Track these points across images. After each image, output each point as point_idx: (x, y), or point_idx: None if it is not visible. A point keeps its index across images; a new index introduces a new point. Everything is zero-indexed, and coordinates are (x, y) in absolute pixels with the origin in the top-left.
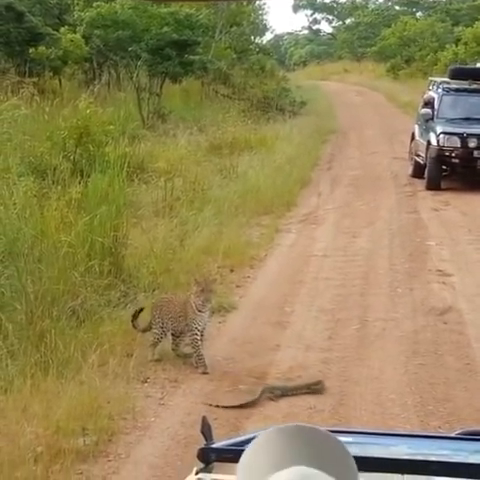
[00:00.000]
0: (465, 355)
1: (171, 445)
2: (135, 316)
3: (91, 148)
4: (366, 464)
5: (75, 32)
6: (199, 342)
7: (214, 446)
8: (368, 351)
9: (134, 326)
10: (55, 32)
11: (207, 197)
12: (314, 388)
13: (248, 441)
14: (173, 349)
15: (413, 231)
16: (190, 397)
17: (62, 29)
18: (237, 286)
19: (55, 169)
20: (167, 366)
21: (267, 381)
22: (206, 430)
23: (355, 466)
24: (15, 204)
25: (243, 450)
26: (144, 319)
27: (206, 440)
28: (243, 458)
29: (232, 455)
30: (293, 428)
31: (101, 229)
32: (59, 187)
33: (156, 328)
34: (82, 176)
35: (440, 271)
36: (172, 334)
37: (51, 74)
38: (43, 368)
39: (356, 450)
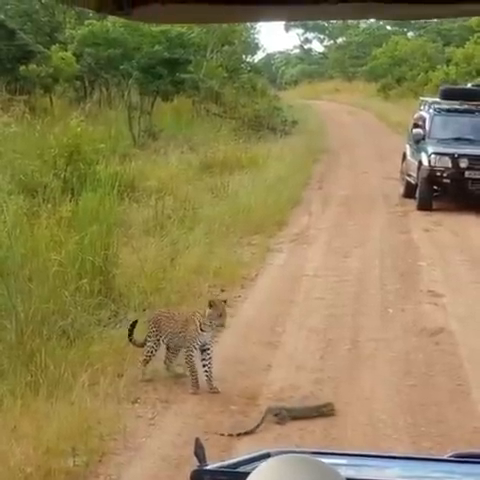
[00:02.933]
0: (457, 376)
1: (162, 466)
2: (131, 331)
3: (82, 166)
4: None
5: (66, 50)
6: (194, 360)
7: (207, 468)
8: (359, 372)
9: (133, 343)
10: (46, 50)
11: (198, 216)
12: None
13: (241, 463)
14: (166, 363)
15: (404, 251)
16: (181, 417)
17: (53, 47)
18: (228, 306)
19: (45, 187)
20: (158, 386)
21: (258, 401)
22: (199, 452)
23: None
24: (5, 222)
25: (236, 472)
26: (142, 334)
27: (199, 462)
28: None
29: (226, 477)
30: (292, 458)
31: (91, 248)
32: (49, 205)
33: (150, 341)
34: (73, 194)
35: (431, 292)
36: (168, 348)
37: (42, 92)
38: (33, 388)
39: (351, 472)
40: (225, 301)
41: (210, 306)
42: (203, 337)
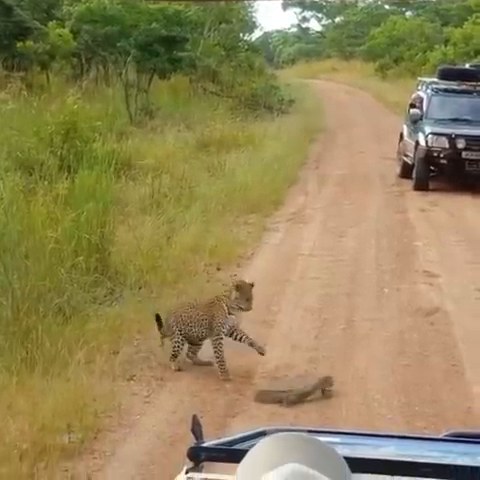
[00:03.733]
0: (451, 356)
1: (157, 443)
2: (159, 323)
3: (78, 144)
4: (356, 465)
5: (63, 27)
6: (222, 347)
7: (204, 445)
8: (354, 351)
9: (163, 334)
10: (43, 26)
11: (194, 195)
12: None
13: (238, 441)
14: (189, 357)
15: (400, 231)
16: (176, 395)
17: (50, 23)
18: (223, 284)
19: (42, 164)
20: (153, 364)
21: (254, 380)
22: (196, 429)
23: (350, 474)
24: (2, 199)
25: (233, 450)
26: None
27: (196, 439)
28: (241, 465)
29: (222, 454)
30: (290, 436)
31: (88, 226)
32: (46, 183)
33: (175, 337)
34: (69, 172)
35: (427, 272)
36: (189, 342)
37: (39, 69)
38: (29, 365)
39: (345, 451)
40: (252, 284)
41: (237, 289)
42: (232, 320)
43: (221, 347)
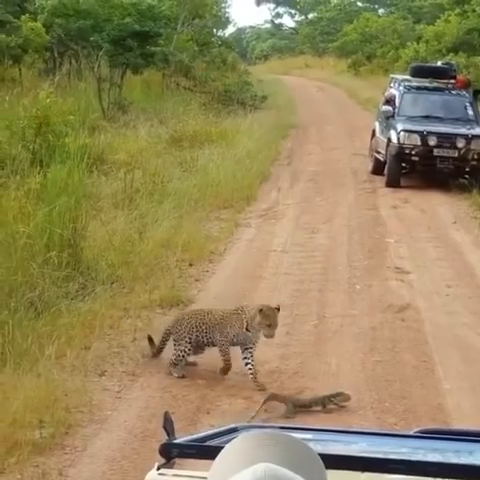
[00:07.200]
0: (422, 352)
1: (128, 439)
2: (152, 343)
3: (51, 138)
4: (326, 461)
5: (36, 20)
6: (229, 349)
7: (176, 442)
8: (326, 347)
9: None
10: (16, 20)
11: (167, 190)
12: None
13: (210, 437)
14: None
15: (372, 228)
16: (148, 391)
17: (23, 17)
18: (196, 280)
19: (14, 159)
20: (125, 359)
21: (226, 375)
22: (168, 426)
23: (325, 471)
24: None
25: (205, 446)
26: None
27: (168, 435)
28: (214, 464)
29: (194, 451)
30: (264, 434)
31: (60, 220)
32: (18, 177)
33: (182, 344)
34: (41, 166)
35: (398, 268)
36: (194, 343)
37: (11, 62)
38: (0, 360)
39: (318, 447)
40: (278, 308)
41: (260, 313)
42: (246, 336)
43: (228, 349)
